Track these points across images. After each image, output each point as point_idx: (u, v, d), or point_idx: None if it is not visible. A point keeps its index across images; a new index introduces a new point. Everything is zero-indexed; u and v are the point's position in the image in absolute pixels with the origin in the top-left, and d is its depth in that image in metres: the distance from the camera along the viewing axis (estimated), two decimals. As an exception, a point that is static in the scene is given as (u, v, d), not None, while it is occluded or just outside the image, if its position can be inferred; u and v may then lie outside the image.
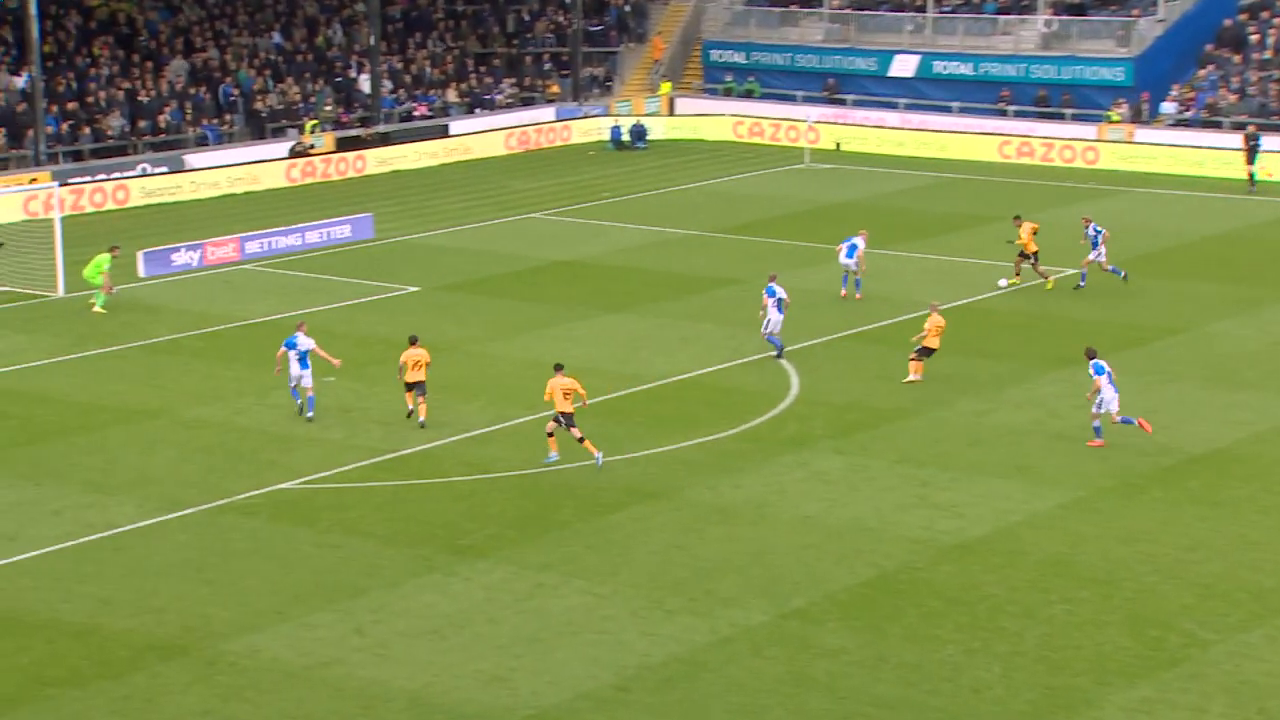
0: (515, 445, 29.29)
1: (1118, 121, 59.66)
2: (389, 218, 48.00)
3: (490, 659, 21.13)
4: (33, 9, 49.68)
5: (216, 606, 22.41)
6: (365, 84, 61.29)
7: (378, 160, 56.78)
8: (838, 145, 61.88)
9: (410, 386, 29.94)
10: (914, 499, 26.78)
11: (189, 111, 55.38)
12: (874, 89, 65.45)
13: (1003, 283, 39.88)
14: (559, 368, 28.25)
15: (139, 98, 54.55)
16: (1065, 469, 28.08)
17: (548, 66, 68.58)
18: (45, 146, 50.56)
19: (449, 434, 29.79)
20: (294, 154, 55.61)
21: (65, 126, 51.97)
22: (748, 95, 67.40)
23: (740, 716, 19.80)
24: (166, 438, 29.16)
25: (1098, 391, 28.64)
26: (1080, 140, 58.93)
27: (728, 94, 67.92)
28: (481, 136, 60.96)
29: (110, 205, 49.28)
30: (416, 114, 62.24)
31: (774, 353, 34.19)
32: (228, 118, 56.63)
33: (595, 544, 24.99)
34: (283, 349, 30.26)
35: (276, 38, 61.84)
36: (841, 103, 65.39)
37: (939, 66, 64.75)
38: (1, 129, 50.34)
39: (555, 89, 67.01)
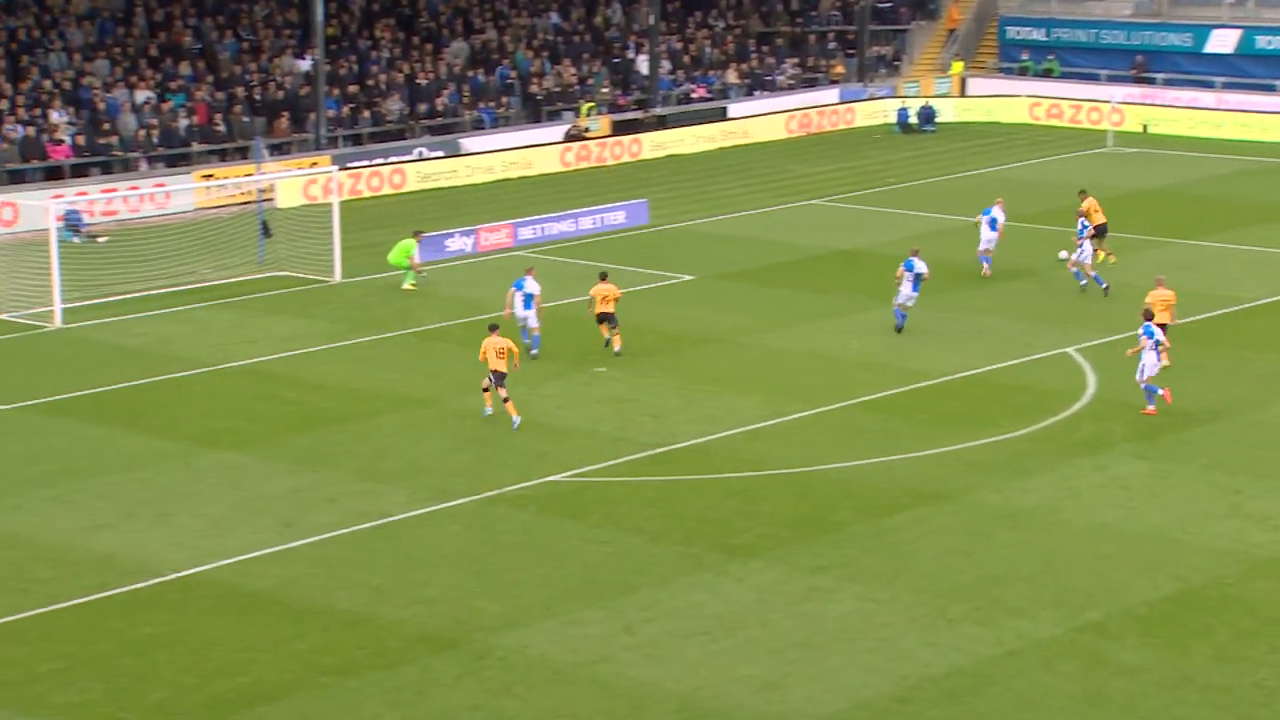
0: (790, 441, 29.25)
1: None
2: (664, 203, 48.43)
3: (762, 663, 21.15)
4: (317, -9, 51.55)
5: (486, 600, 22.96)
6: (643, 65, 61.94)
7: (654, 144, 57.32)
8: (1145, 127, 60.02)
9: (601, 319, 33.59)
10: (1224, 508, 25.80)
11: (466, 94, 56.82)
12: (1188, 66, 63.27)
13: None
14: (494, 328, 30.16)
15: (418, 80, 56.20)
16: (1395, 481, 26.69)
17: (832, 45, 68.23)
18: (326, 130, 52.47)
19: (721, 428, 29.92)
20: (569, 137, 56.55)
21: (346, 110, 53.85)
22: (1046, 74, 65.91)
23: (1027, 736, 19.41)
24: (437, 426, 30.00)
25: (1140, 352, 29.63)
26: None
27: (1024, 73, 66.51)
28: (761, 119, 61.02)
29: (386, 189, 50.90)
30: (695, 96, 62.64)
31: (895, 325, 35.12)
32: (504, 100, 57.92)
33: (873, 547, 24.78)
34: (512, 289, 33.96)
35: (555, 18, 62.98)
36: (1150, 81, 63.40)
37: (1263, 41, 62.21)
38: (286, 112, 52.41)
39: (840, 69, 66.63)
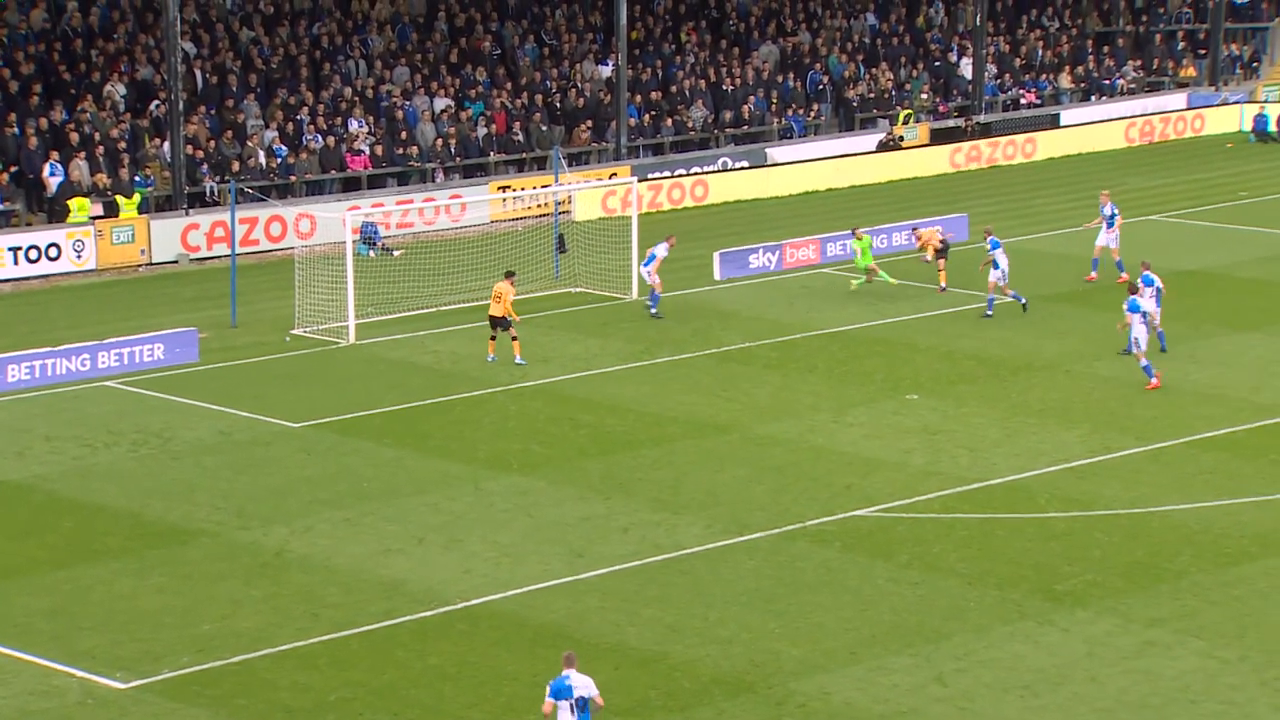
0: (1122, 480, 28.53)
1: None
2: (985, 218, 47.75)
3: (1087, 724, 20.67)
4: (622, -6, 52.27)
5: (785, 642, 22.97)
6: (967, 69, 61.28)
7: (975, 154, 56.64)
8: None
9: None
10: None
11: (774, 101, 57.04)
12: None
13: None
14: (509, 275, 35.09)
15: (723, 87, 56.66)
16: None
17: (1181, 46, 66.37)
18: (627, 139, 53.26)
19: (1045, 464, 29.36)
20: (883, 147, 56.29)
21: (647, 118, 54.61)
22: None
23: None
24: (736, 455, 30.16)
25: (1127, 326, 32.77)
26: None
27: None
28: (1096, 127, 59.74)
29: (688, 202, 51.40)
30: (1023, 102, 61.68)
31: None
32: (814, 107, 57.95)
33: (1218, 599, 24.00)
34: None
35: (871, 19, 62.79)
36: None
37: None
38: (587, 121, 53.39)
39: (1189, 71, 64.77)
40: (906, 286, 40.59)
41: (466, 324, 38.26)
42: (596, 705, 19.02)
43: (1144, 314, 32.82)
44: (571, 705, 18.82)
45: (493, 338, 35.06)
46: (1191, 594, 24.23)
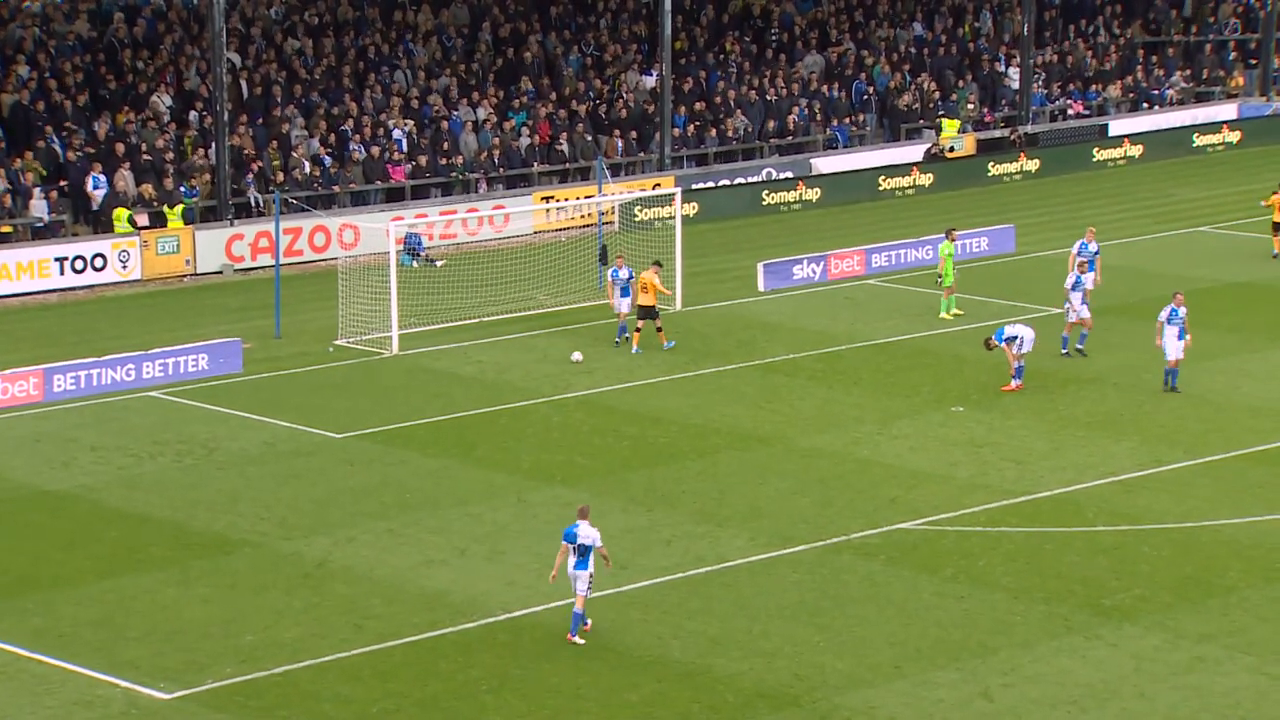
0: (1171, 494, 28.41)
1: None
2: (1032, 229, 47.66)
3: (1135, 740, 20.59)
4: (667, 4, 52.30)
5: (830, 655, 22.94)
6: (1014, 79, 61.08)
7: (1022, 164, 56.45)
8: None
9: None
10: None
11: (818, 111, 56.98)
12: None
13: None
14: (657, 264, 36.18)
15: (768, 97, 56.64)
16: None
17: (1232, 56, 66.02)
18: (670, 150, 53.29)
19: (1092, 477, 29.25)
20: (929, 157, 56.14)
21: (692, 128, 54.63)
22: None
23: None
24: (780, 467, 30.13)
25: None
26: None
27: None
28: (1144, 137, 59.42)
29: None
30: (1071, 113, 61.46)
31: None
32: (860, 117, 57.86)
33: (1268, 615, 23.88)
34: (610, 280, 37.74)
35: (918, 28, 62.66)
36: None
37: None
38: (631, 131, 53.43)
39: (1239, 81, 64.42)
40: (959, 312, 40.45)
41: (510, 334, 38.35)
42: (601, 554, 22.84)
43: (1018, 339, 33.33)
44: (574, 548, 22.82)
45: (638, 329, 36.10)
46: (1241, 609, 24.10)
